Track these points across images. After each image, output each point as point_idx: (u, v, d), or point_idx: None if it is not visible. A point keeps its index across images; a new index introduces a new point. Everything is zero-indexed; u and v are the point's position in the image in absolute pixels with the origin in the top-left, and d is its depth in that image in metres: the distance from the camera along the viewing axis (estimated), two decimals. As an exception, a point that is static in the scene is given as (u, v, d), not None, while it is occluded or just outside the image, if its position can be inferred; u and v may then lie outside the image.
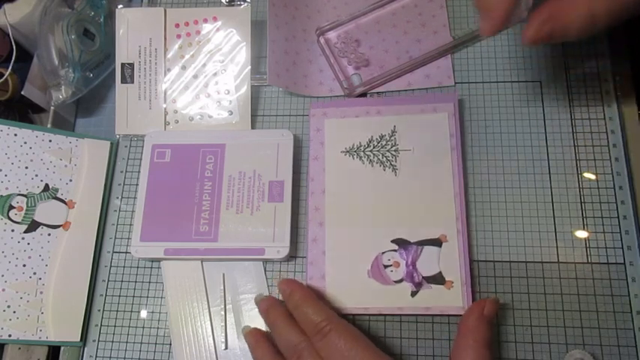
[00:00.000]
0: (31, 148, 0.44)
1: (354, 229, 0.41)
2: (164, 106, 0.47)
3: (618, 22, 0.31)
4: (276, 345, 0.36)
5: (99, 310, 0.43)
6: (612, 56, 0.44)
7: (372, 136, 0.43)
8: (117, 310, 0.43)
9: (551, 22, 0.31)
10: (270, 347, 0.36)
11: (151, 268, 0.44)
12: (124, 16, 0.47)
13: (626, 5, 0.30)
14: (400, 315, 0.39)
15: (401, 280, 0.39)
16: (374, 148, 0.43)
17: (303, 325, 0.35)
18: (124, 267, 0.44)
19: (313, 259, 0.41)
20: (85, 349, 0.42)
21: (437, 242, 0.40)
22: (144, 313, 0.42)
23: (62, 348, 0.42)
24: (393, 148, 0.42)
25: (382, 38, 0.47)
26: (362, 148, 0.43)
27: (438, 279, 0.39)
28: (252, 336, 0.38)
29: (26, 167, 0.43)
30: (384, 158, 0.42)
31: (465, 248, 0.39)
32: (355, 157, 0.43)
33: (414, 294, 0.39)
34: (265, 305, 0.38)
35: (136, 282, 0.43)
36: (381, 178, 0.42)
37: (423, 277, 0.39)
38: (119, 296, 0.43)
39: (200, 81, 0.47)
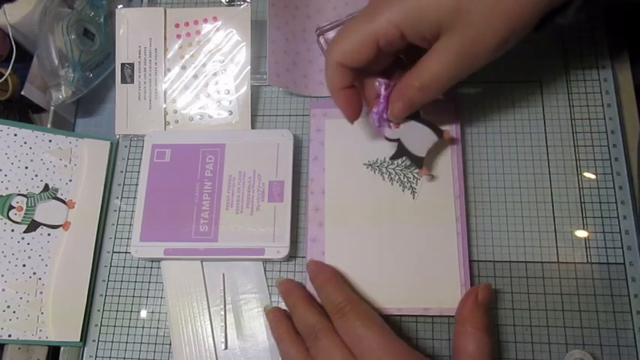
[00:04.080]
0: (31, 148, 0.44)
1: (354, 229, 0.41)
2: (164, 106, 0.47)
3: (450, 82, 0.34)
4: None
5: (99, 310, 0.43)
6: (612, 56, 0.44)
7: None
8: (117, 310, 0.43)
9: (400, 101, 0.36)
10: (291, 326, 0.37)
11: (151, 268, 0.44)
12: (124, 16, 0.47)
13: (443, 65, 0.33)
14: (400, 315, 0.39)
15: None
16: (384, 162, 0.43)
17: (325, 304, 0.36)
18: (124, 267, 0.44)
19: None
20: (85, 349, 0.42)
21: None
22: (144, 313, 0.42)
23: (62, 348, 0.42)
24: None
25: (382, 38, 0.47)
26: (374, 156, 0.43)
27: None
28: (273, 315, 0.38)
29: (26, 167, 0.43)
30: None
31: (465, 249, 0.39)
32: (371, 167, 0.43)
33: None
34: (285, 288, 0.39)
35: (135, 282, 0.43)
36: (381, 177, 0.42)
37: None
38: (119, 296, 0.43)
39: (200, 81, 0.47)
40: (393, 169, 0.42)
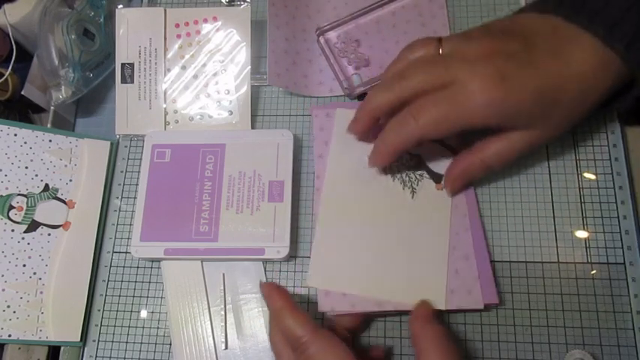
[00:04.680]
0: (31, 148, 0.44)
1: (350, 226, 0.41)
2: (164, 106, 0.47)
3: (509, 163, 0.38)
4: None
5: (99, 310, 0.43)
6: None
7: None
8: (117, 310, 0.43)
9: (460, 178, 0.39)
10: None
11: (151, 268, 0.44)
12: (124, 16, 0.47)
13: (511, 150, 0.36)
14: (397, 312, 0.39)
15: None
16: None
17: (285, 336, 0.34)
18: (124, 267, 0.44)
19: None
20: (85, 349, 0.42)
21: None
22: (144, 313, 0.42)
23: (62, 348, 0.42)
24: None
25: (382, 38, 0.47)
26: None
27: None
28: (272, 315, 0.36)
29: (26, 167, 0.43)
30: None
31: (481, 243, 0.39)
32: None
33: None
34: (267, 291, 0.36)
35: (136, 282, 0.43)
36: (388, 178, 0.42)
37: None
38: (119, 296, 0.43)
39: (200, 81, 0.47)
40: (397, 166, 0.42)
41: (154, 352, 0.41)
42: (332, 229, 0.41)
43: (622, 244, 0.40)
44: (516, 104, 0.33)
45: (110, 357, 0.41)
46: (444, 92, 0.34)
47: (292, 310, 0.33)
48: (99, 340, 0.42)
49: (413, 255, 0.39)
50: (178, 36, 0.47)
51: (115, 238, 0.45)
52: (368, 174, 0.42)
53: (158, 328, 0.42)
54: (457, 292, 0.38)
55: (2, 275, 0.41)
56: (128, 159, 0.47)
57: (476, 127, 0.34)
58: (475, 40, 0.35)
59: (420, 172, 0.42)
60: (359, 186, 0.42)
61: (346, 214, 0.41)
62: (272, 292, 0.34)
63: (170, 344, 0.41)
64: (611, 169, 0.41)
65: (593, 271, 0.39)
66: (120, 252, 0.44)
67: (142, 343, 0.41)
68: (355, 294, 0.38)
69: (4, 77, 0.46)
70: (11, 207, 0.42)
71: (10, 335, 0.40)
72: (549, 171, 0.42)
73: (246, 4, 0.48)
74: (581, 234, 0.40)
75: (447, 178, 0.40)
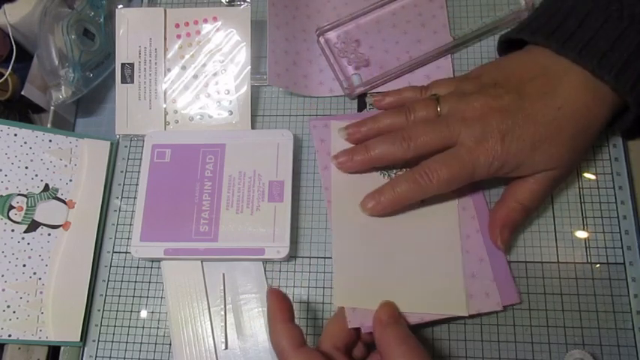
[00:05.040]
0: (31, 148, 0.44)
1: (366, 242, 0.40)
2: (164, 106, 0.47)
3: (544, 200, 0.39)
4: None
5: (99, 310, 0.43)
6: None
7: None
8: (117, 310, 0.43)
9: (506, 227, 0.38)
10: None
11: (151, 268, 0.44)
12: (124, 16, 0.47)
13: (539, 189, 0.38)
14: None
15: None
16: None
17: (273, 342, 0.35)
18: (124, 267, 0.44)
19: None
20: (85, 349, 0.42)
21: None
22: (144, 313, 0.42)
23: (62, 348, 0.42)
24: None
25: (382, 38, 0.47)
26: None
27: None
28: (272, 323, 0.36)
29: (26, 167, 0.43)
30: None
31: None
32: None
33: None
34: (270, 296, 0.36)
35: (136, 282, 0.43)
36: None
37: None
38: (119, 296, 0.43)
39: (200, 81, 0.47)
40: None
41: (154, 352, 0.41)
42: (347, 245, 0.40)
43: (622, 244, 0.40)
44: (516, 157, 0.36)
45: (110, 357, 0.41)
46: (451, 153, 0.37)
47: (284, 321, 0.34)
48: (99, 340, 0.42)
49: (428, 263, 0.39)
50: (178, 36, 0.47)
51: (115, 238, 0.45)
52: (372, 184, 0.41)
53: (158, 328, 0.42)
54: (476, 296, 0.38)
55: (2, 275, 0.41)
56: (128, 159, 0.47)
57: (486, 178, 0.37)
58: (471, 99, 0.37)
59: None
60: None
61: (358, 226, 0.40)
62: (274, 299, 0.35)
63: (170, 344, 0.41)
64: (611, 169, 0.41)
65: (594, 270, 0.39)
66: (120, 252, 0.44)
67: (142, 343, 0.41)
68: None
69: (4, 77, 0.46)
70: (11, 207, 0.42)
71: (10, 335, 0.40)
72: (549, 171, 0.42)
73: (246, 4, 0.48)
74: (581, 234, 0.40)
75: (492, 231, 0.39)
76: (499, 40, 0.42)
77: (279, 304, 0.35)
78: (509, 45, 0.41)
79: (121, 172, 0.47)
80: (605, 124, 0.37)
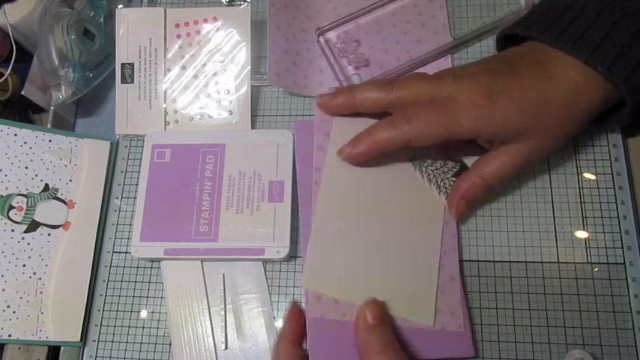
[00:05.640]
0: (31, 148, 0.44)
1: (349, 230, 0.40)
2: (164, 106, 0.47)
3: (508, 181, 0.39)
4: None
5: (99, 310, 0.43)
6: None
7: None
8: (117, 310, 0.43)
9: (464, 199, 0.39)
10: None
11: (151, 268, 0.44)
12: (124, 16, 0.47)
13: (508, 165, 0.37)
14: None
15: None
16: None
17: (276, 355, 0.37)
18: (124, 267, 0.44)
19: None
20: (85, 349, 0.42)
21: None
22: (144, 313, 0.42)
23: (62, 348, 0.42)
24: None
25: (382, 38, 0.47)
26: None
27: None
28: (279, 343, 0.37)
29: (26, 167, 0.43)
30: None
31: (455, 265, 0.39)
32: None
33: None
34: (289, 310, 0.38)
35: (136, 282, 0.43)
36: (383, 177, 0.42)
37: None
38: (119, 296, 0.43)
39: (200, 81, 0.47)
40: (433, 172, 0.41)
41: (154, 352, 0.41)
42: (328, 228, 0.39)
43: (622, 244, 0.40)
44: (503, 114, 0.35)
45: (110, 357, 0.41)
46: (436, 104, 0.36)
47: (290, 342, 0.35)
48: (99, 340, 0.42)
49: (405, 267, 0.39)
50: (178, 36, 0.47)
51: (115, 238, 0.45)
52: (371, 171, 0.40)
53: (158, 328, 0.42)
54: (442, 311, 0.38)
55: (2, 275, 0.41)
56: (128, 159, 0.47)
57: (466, 138, 0.36)
58: (462, 66, 0.38)
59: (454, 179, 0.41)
60: (359, 183, 0.41)
61: (344, 212, 0.40)
62: (290, 317, 0.36)
63: (170, 344, 0.41)
64: (611, 169, 0.41)
65: (596, 268, 0.39)
66: (120, 252, 0.44)
67: (142, 343, 0.41)
68: (348, 302, 0.37)
69: (4, 77, 0.46)
70: (11, 207, 0.42)
71: (10, 335, 0.40)
72: (549, 171, 0.42)
73: (246, 4, 0.48)
74: (581, 234, 0.40)
75: (451, 201, 0.40)
76: (497, 37, 0.42)
77: (292, 324, 0.36)
78: (507, 43, 0.41)
79: (121, 172, 0.47)
80: (596, 109, 0.36)
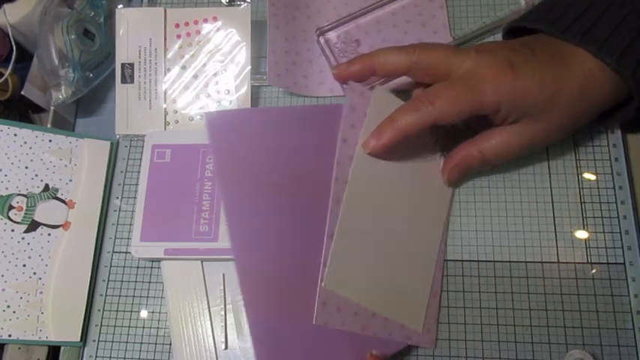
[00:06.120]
0: (31, 148, 0.44)
1: (374, 232, 0.38)
2: (164, 106, 0.47)
3: (506, 159, 0.39)
4: None
5: (99, 310, 0.43)
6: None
7: None
8: (117, 310, 0.43)
9: (457, 167, 0.39)
10: None
11: (151, 268, 0.44)
12: (124, 16, 0.47)
13: (509, 144, 0.37)
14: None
15: None
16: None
17: None
18: (124, 267, 0.44)
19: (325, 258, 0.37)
20: (85, 349, 0.42)
21: None
22: (144, 313, 0.42)
23: (62, 348, 0.42)
24: None
25: (382, 38, 0.47)
26: None
27: None
28: None
29: (26, 167, 0.43)
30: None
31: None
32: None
33: None
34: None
35: (136, 282, 0.43)
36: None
37: None
38: (119, 296, 0.43)
39: (200, 81, 0.47)
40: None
41: (154, 352, 0.41)
42: (354, 228, 0.38)
43: (622, 244, 0.40)
44: (523, 89, 0.35)
45: (110, 357, 0.41)
46: (456, 80, 0.36)
47: None
48: (99, 340, 0.42)
49: (406, 268, 0.39)
50: (178, 36, 0.47)
51: (115, 238, 0.45)
52: (397, 167, 0.39)
53: (158, 328, 0.42)
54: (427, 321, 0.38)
55: (2, 275, 0.41)
56: (128, 159, 0.47)
57: (486, 113, 0.36)
58: (481, 43, 0.37)
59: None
60: (386, 179, 0.39)
61: (372, 210, 0.38)
62: None
63: (170, 344, 0.41)
64: (611, 169, 0.41)
65: (594, 270, 0.39)
66: (120, 252, 0.44)
67: (142, 343, 0.41)
68: (351, 311, 0.37)
69: (4, 77, 0.46)
70: (11, 207, 0.42)
71: (10, 335, 0.40)
72: (549, 171, 0.42)
73: (246, 4, 0.48)
74: (581, 234, 0.40)
75: (445, 167, 0.40)
76: (504, 30, 0.42)
77: None
78: (514, 37, 0.41)
79: (121, 172, 0.47)
80: (603, 106, 0.36)
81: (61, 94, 0.46)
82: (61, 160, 0.45)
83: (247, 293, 0.36)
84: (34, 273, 0.42)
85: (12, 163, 0.43)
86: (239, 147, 0.39)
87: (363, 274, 0.38)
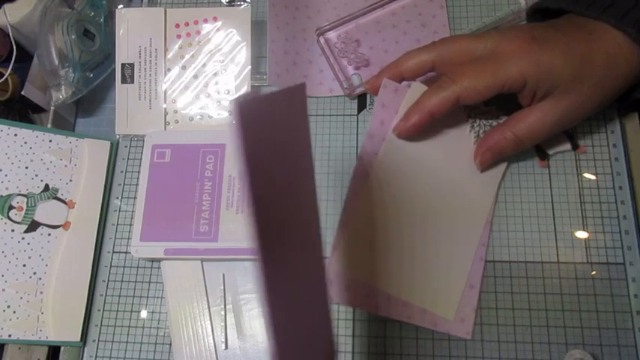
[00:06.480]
0: (31, 148, 0.44)
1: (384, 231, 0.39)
2: (164, 106, 0.47)
3: (540, 139, 0.38)
4: None
5: (99, 310, 0.43)
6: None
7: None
8: (117, 310, 0.43)
9: (490, 151, 0.39)
10: None
11: (151, 268, 0.44)
12: (124, 16, 0.47)
13: (543, 122, 0.37)
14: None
15: None
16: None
17: None
18: (124, 267, 0.44)
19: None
20: (85, 349, 0.42)
21: None
22: (144, 313, 0.42)
23: (62, 348, 0.42)
24: None
25: (382, 38, 0.47)
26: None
27: None
28: None
29: (26, 167, 0.43)
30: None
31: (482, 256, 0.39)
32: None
33: None
34: None
35: (136, 282, 0.43)
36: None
37: None
38: (119, 296, 0.43)
39: (200, 81, 0.47)
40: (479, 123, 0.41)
41: (154, 352, 0.41)
42: (368, 208, 0.39)
43: (622, 244, 0.40)
44: (549, 58, 0.34)
45: (110, 357, 0.41)
46: (480, 58, 0.36)
47: None
48: (99, 340, 0.42)
49: (437, 259, 0.39)
50: (178, 36, 0.47)
51: (115, 238, 0.45)
52: (431, 164, 0.40)
53: (158, 328, 0.42)
54: (460, 310, 0.38)
55: (2, 275, 0.41)
56: (128, 159, 0.47)
57: (513, 89, 0.35)
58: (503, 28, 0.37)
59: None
60: (423, 171, 0.39)
61: (393, 195, 0.39)
62: None
63: (170, 344, 0.41)
64: (611, 169, 0.41)
65: (593, 272, 0.39)
66: (120, 252, 0.44)
67: (142, 343, 0.41)
68: (378, 287, 0.38)
69: (4, 77, 0.46)
70: (11, 207, 0.42)
71: (10, 335, 0.40)
72: (549, 171, 0.42)
73: (246, 4, 0.48)
74: (581, 234, 0.40)
75: (477, 150, 0.40)
76: (527, 13, 0.42)
77: None
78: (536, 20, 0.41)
79: (121, 172, 0.47)
80: (631, 79, 0.36)
81: (61, 94, 0.46)
82: (61, 160, 0.45)
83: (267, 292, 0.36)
84: (34, 273, 0.42)
85: (12, 163, 0.43)
86: (268, 133, 0.38)
87: (378, 259, 0.38)
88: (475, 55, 0.36)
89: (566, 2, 0.37)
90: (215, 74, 0.47)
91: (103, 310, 0.43)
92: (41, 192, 0.43)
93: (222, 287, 0.42)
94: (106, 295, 0.43)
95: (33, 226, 0.42)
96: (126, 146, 0.47)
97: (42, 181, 0.44)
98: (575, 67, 0.34)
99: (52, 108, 0.47)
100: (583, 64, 0.34)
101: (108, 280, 0.44)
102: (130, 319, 0.42)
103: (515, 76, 0.34)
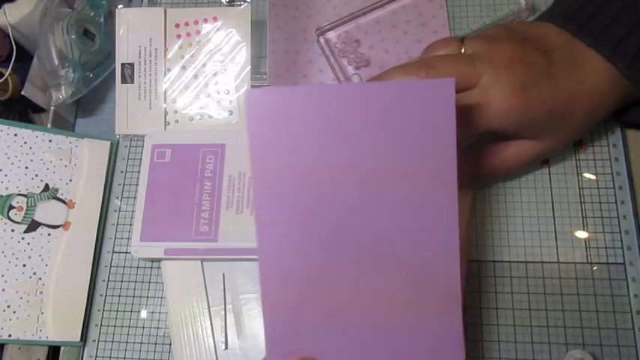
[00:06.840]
0: (31, 148, 0.44)
1: None
2: (164, 106, 0.47)
3: (514, 171, 0.41)
4: None
5: (99, 310, 0.43)
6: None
7: None
8: (117, 310, 0.43)
9: (471, 177, 0.39)
10: None
11: (151, 268, 0.44)
12: (124, 16, 0.47)
13: (518, 158, 0.38)
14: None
15: None
16: None
17: None
18: (124, 267, 0.44)
19: None
20: (85, 349, 0.42)
21: None
22: (144, 313, 0.42)
23: (62, 348, 0.42)
24: None
25: (382, 38, 0.47)
26: None
27: None
28: None
29: (26, 167, 0.43)
30: None
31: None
32: None
33: None
34: None
35: (136, 282, 0.43)
36: None
37: None
38: (119, 296, 0.43)
39: (200, 81, 0.47)
40: None
41: (154, 352, 0.41)
42: None
43: (622, 244, 0.40)
44: (532, 115, 0.34)
45: (110, 357, 0.41)
46: (469, 94, 0.34)
47: None
48: (99, 340, 0.42)
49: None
50: (178, 36, 0.47)
51: (115, 238, 0.45)
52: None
53: (158, 328, 0.42)
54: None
55: (2, 275, 0.41)
56: (128, 159, 0.47)
57: (493, 131, 0.35)
58: (500, 43, 0.35)
59: None
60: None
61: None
62: None
63: (170, 344, 0.41)
64: (611, 169, 0.41)
65: (594, 270, 0.39)
66: (120, 252, 0.44)
67: (142, 343, 0.42)
68: None
69: (4, 77, 0.46)
70: (11, 207, 0.42)
71: (10, 335, 0.40)
72: (549, 171, 0.42)
73: (246, 4, 0.48)
74: (581, 234, 0.40)
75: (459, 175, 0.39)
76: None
77: None
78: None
79: (121, 172, 0.47)
80: (612, 109, 0.37)
81: (61, 94, 0.46)
82: (61, 160, 0.45)
83: (268, 291, 0.34)
84: (34, 273, 0.42)
85: (12, 163, 0.43)
86: (283, 129, 0.32)
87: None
88: (469, 85, 0.35)
89: (560, 19, 0.36)
90: (215, 74, 0.47)
91: (103, 310, 0.43)
92: (41, 192, 0.43)
93: (222, 287, 0.42)
94: (106, 295, 0.43)
95: (33, 226, 0.42)
96: (126, 146, 0.48)
97: (42, 181, 0.44)
98: (555, 123, 0.35)
99: (52, 108, 0.47)
100: (563, 120, 0.35)
101: (108, 280, 0.44)
102: (130, 319, 0.42)
103: (497, 126, 0.34)
